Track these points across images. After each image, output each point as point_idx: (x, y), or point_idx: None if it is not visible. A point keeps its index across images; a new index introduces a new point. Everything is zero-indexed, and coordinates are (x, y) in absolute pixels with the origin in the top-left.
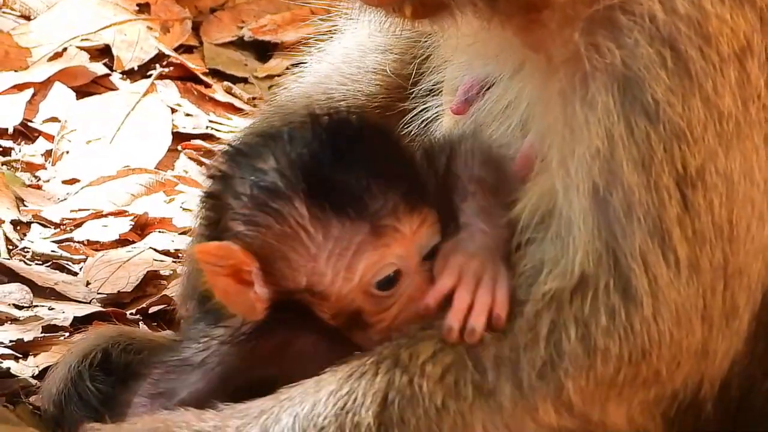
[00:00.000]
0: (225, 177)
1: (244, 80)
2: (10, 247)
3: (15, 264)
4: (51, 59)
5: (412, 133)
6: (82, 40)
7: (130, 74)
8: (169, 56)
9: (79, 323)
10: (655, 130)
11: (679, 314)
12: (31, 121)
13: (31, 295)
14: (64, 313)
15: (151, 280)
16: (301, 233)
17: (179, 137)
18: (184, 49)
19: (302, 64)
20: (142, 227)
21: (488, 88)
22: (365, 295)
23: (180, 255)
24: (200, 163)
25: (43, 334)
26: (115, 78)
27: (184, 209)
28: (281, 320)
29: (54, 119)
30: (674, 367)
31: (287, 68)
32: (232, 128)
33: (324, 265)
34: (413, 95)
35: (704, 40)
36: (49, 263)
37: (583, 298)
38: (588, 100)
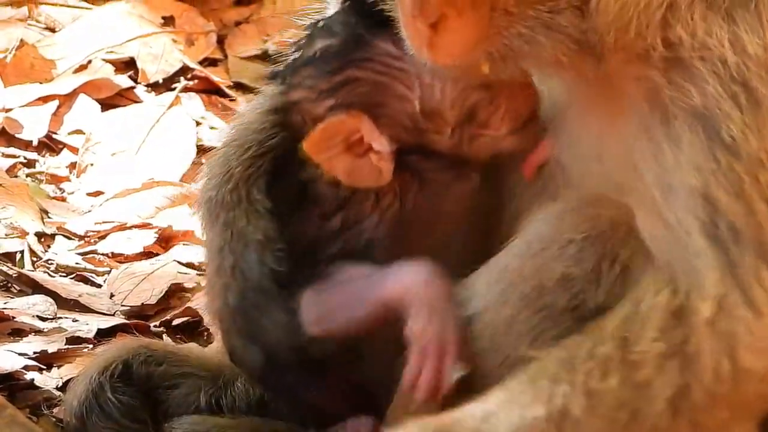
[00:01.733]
0: (288, 84)
1: None
2: (35, 259)
3: (39, 276)
4: (76, 71)
5: None
6: (107, 52)
7: (155, 87)
8: (193, 69)
9: (103, 335)
10: (738, 162)
11: None
12: (55, 133)
13: (55, 306)
14: (88, 325)
15: (175, 292)
16: (392, 62)
17: (204, 150)
18: (209, 62)
19: None
20: (166, 240)
21: None
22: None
23: (204, 268)
24: None
25: (66, 346)
26: (140, 90)
27: None
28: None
29: (79, 131)
30: None
31: None
32: None
33: (428, 75)
34: None
35: None
36: (73, 275)
37: (725, 319)
38: (674, 139)
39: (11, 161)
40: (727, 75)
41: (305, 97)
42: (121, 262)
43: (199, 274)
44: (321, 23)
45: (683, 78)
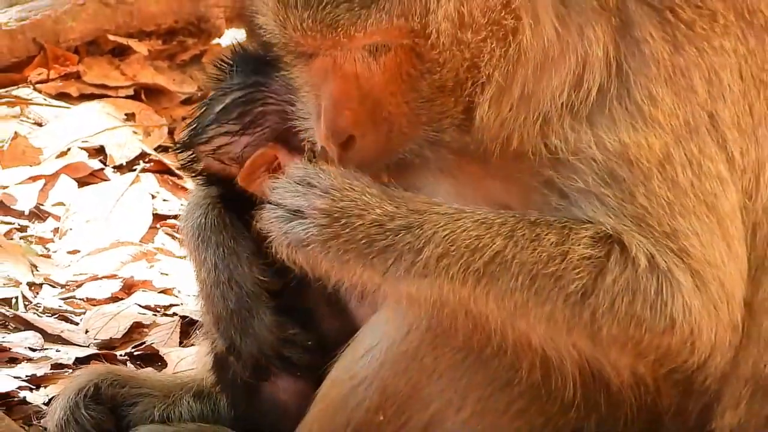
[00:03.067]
0: (201, 140)
1: None
2: (26, 303)
3: (30, 316)
4: (58, 157)
5: None
6: (82, 142)
7: (120, 168)
8: (150, 154)
9: (80, 362)
10: (625, 217)
11: (698, 313)
12: (42, 205)
13: (43, 340)
14: (68, 354)
15: (136, 328)
16: (285, 95)
17: (158, 217)
18: (162, 148)
19: None
20: (129, 288)
21: None
22: None
23: (159, 310)
24: (175, 238)
25: (51, 371)
26: (108, 171)
27: (162, 273)
28: None
29: (60, 203)
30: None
31: None
32: None
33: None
34: None
35: (629, 164)
36: (57, 315)
37: (635, 273)
38: (575, 204)
39: (7, 227)
40: (599, 168)
41: (223, 144)
42: (94, 305)
43: (155, 314)
44: (214, 92)
45: (569, 172)
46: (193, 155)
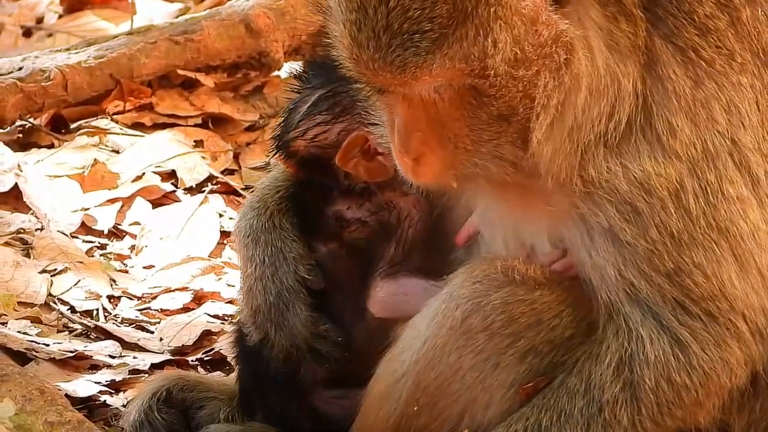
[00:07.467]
0: (296, 133)
1: None
2: (106, 314)
3: (109, 326)
4: (134, 181)
5: None
6: (155, 167)
7: (190, 190)
8: (217, 177)
9: (155, 368)
10: (638, 256)
11: (715, 350)
12: (120, 225)
13: (121, 348)
14: (144, 361)
15: (206, 336)
16: None
17: (225, 234)
18: (228, 171)
19: None
20: (199, 299)
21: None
22: None
23: (227, 319)
24: None
25: (129, 376)
26: (179, 193)
27: (229, 285)
28: None
29: (136, 223)
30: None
31: None
32: None
33: None
34: None
35: (647, 193)
36: (134, 325)
37: (660, 355)
38: (595, 247)
39: (89, 245)
40: (620, 199)
41: (319, 132)
42: (167, 315)
43: (223, 323)
44: (298, 96)
45: (595, 207)
46: (287, 147)
